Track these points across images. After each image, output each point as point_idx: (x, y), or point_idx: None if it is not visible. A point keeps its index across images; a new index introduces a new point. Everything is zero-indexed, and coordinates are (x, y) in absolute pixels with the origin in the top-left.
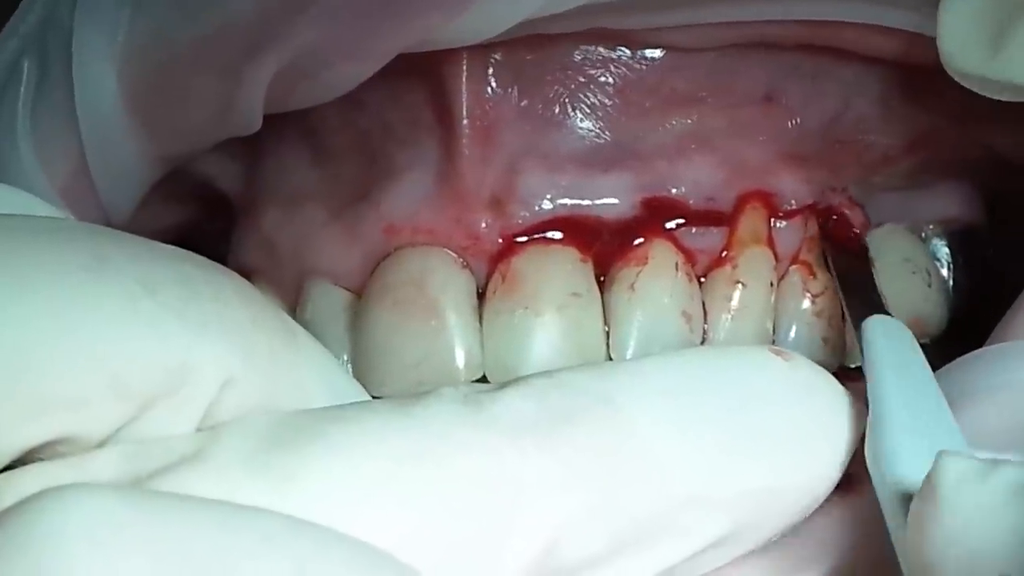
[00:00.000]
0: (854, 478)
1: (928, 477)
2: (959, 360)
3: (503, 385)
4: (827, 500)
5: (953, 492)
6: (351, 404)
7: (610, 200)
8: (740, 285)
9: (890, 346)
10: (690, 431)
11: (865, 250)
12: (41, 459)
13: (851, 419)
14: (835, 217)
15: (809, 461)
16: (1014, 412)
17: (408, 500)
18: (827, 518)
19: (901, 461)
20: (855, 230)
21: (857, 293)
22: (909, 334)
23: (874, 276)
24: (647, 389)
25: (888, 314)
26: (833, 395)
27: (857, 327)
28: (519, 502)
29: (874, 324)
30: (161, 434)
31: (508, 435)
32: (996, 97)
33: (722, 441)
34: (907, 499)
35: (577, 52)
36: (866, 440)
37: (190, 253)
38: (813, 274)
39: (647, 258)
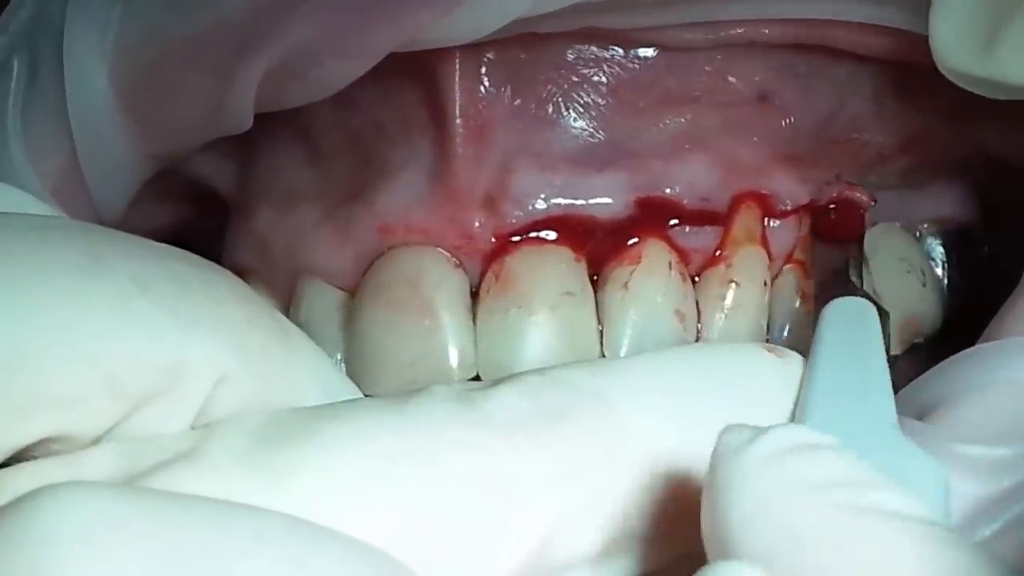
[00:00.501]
0: None
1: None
2: (952, 358)
3: (496, 382)
4: None
5: (720, 463)
6: (344, 402)
7: (604, 200)
8: (734, 284)
9: (840, 326)
10: (683, 427)
11: (861, 236)
12: (35, 457)
13: None
14: (834, 207)
15: None
16: (1007, 409)
17: (401, 498)
18: None
19: None
20: (861, 210)
21: (831, 283)
22: (873, 316)
23: (863, 268)
24: (640, 386)
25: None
26: None
27: (818, 312)
28: (512, 499)
29: (834, 307)
30: (155, 432)
31: (501, 432)
32: (989, 96)
33: (715, 437)
34: None
35: (570, 51)
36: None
37: (184, 251)
38: (807, 273)
39: (641, 257)
